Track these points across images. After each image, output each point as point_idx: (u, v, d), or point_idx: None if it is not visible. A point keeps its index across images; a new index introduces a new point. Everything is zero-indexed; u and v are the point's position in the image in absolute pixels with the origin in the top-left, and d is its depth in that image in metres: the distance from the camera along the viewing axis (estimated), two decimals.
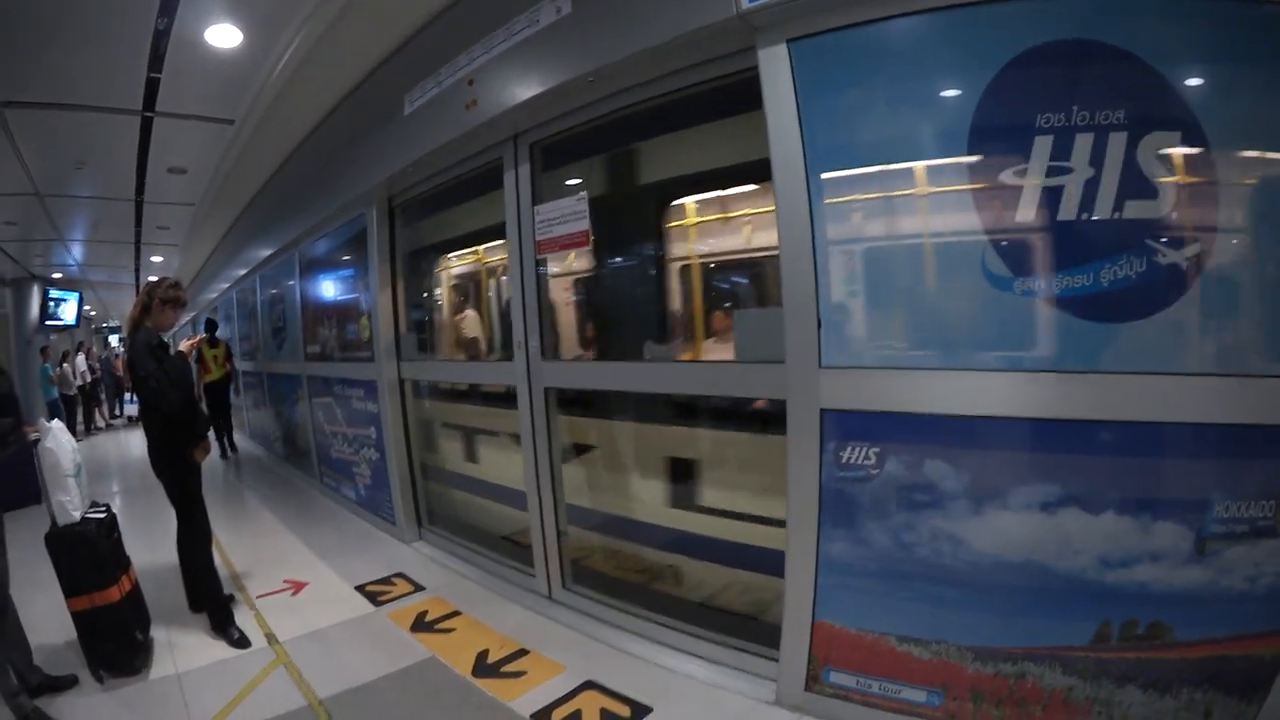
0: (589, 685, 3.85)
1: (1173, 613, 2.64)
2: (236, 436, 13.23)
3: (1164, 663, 2.67)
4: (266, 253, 10.22)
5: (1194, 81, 2.54)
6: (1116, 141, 2.59)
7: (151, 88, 6.13)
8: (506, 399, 5.17)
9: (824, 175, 3.11)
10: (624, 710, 3.63)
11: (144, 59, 5.60)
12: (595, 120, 4.33)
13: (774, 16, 3.12)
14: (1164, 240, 2.55)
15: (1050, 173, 2.68)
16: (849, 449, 3.12)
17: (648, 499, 5.05)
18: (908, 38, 2.94)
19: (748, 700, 3.61)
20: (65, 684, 4.00)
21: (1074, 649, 2.79)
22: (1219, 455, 2.56)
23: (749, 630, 3.93)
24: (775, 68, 3.20)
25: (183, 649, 4.48)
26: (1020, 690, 2.90)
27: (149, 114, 6.72)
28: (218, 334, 12.39)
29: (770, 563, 3.69)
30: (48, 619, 4.54)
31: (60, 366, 16.08)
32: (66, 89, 6.15)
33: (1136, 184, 2.57)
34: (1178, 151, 2.53)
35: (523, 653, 4.25)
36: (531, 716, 3.61)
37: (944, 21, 2.85)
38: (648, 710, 3.61)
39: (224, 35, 5.26)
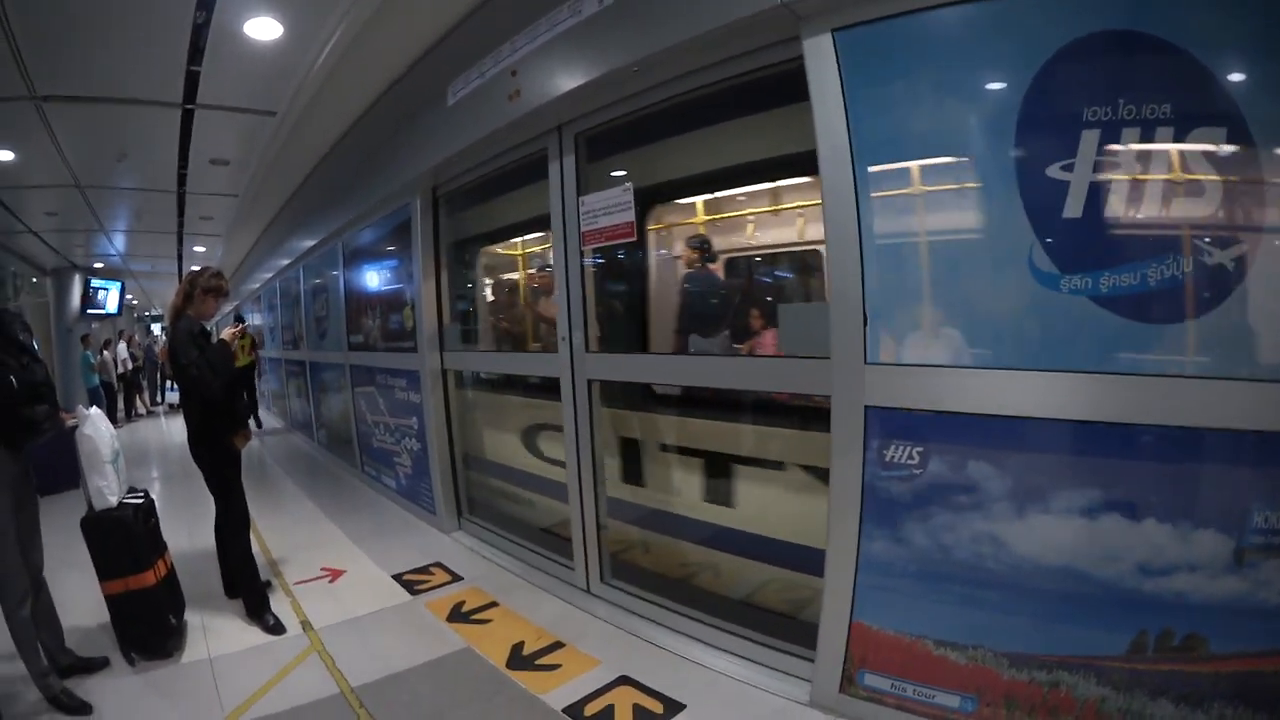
0: (623, 680, 3.85)
1: (1209, 624, 2.58)
2: (271, 420, 14.19)
3: (1198, 676, 2.61)
4: (310, 243, 10.31)
5: (1240, 76, 2.47)
6: (1163, 136, 2.53)
7: (192, 80, 6.17)
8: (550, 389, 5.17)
9: (871, 168, 3.07)
10: (657, 707, 3.61)
11: (183, 52, 5.63)
12: (640, 110, 4.30)
13: (818, 6, 3.09)
14: (1210, 240, 2.49)
15: (1097, 167, 2.62)
16: (892, 447, 3.08)
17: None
18: (954, 27, 2.89)
19: (782, 700, 3.59)
20: (96, 665, 4.08)
21: (1109, 659, 2.74)
22: (1261, 463, 2.49)
23: (785, 629, 3.91)
24: (821, 58, 3.16)
25: (217, 634, 4.54)
26: (1054, 699, 2.85)
27: (190, 106, 6.76)
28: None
29: None
30: (79, 601, 4.63)
31: (101, 354, 16.31)
32: (105, 83, 6.20)
33: (1183, 181, 2.52)
34: (1225, 148, 2.47)
35: (558, 645, 4.26)
36: (564, 710, 3.61)
37: (990, 10, 2.80)
38: (681, 707, 3.60)
39: (263, 28, 5.28)
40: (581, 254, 4.71)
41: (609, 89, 4.21)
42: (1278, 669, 2.50)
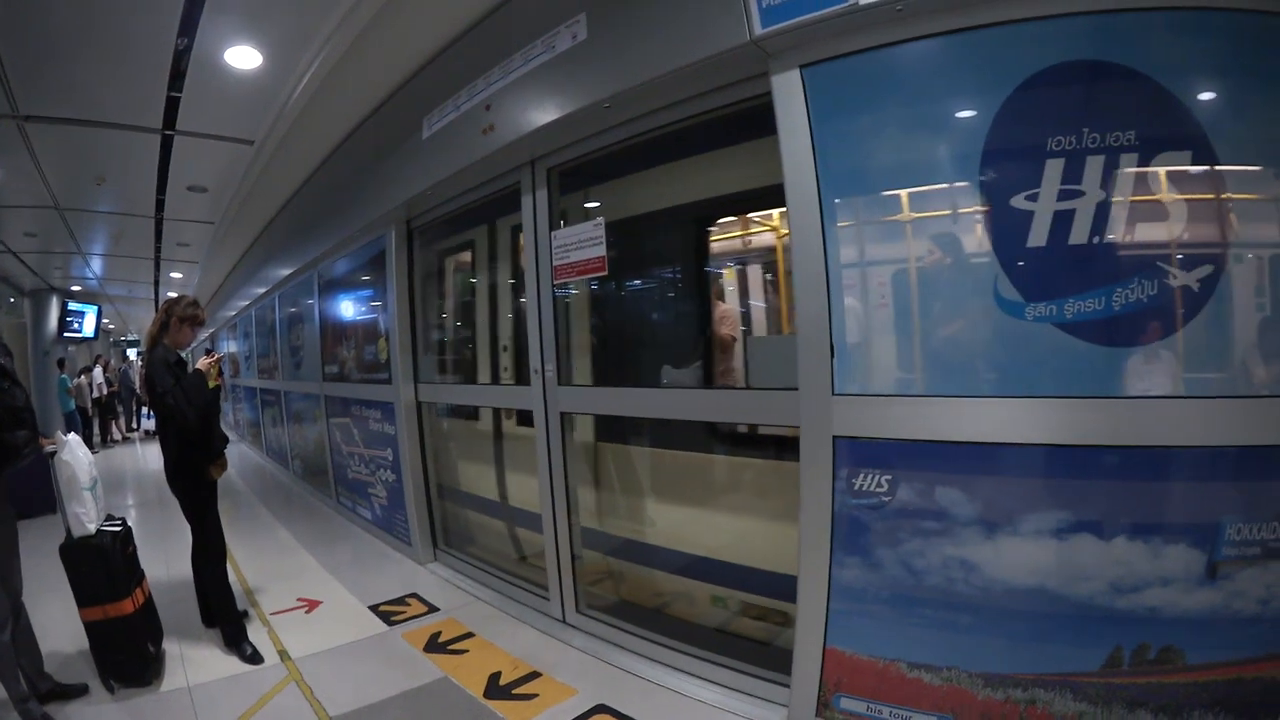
0: (600, 709, 3.84)
1: (1184, 637, 2.63)
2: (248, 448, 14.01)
3: (1175, 687, 2.65)
4: (286, 272, 10.28)
5: (1204, 100, 2.55)
6: (1127, 163, 2.59)
7: (172, 106, 6.19)
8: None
9: (837, 200, 3.11)
10: None
11: (164, 78, 5.66)
12: (613, 145, 4.34)
13: (787, 42, 3.14)
14: (1175, 262, 2.55)
15: (1062, 196, 2.68)
16: (861, 476, 3.11)
17: None
18: (920, 62, 2.95)
19: None
20: (75, 692, 4.06)
21: (1085, 675, 2.76)
22: (1231, 478, 2.56)
23: (761, 656, 3.93)
24: (789, 93, 3.21)
25: (195, 663, 4.51)
26: (1030, 716, 2.87)
27: (169, 132, 6.78)
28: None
29: None
30: (60, 627, 4.65)
31: (78, 379, 16.21)
32: (87, 105, 6.21)
33: (1147, 206, 2.58)
34: (1188, 172, 2.54)
35: (535, 675, 4.25)
36: None
37: (955, 45, 2.86)
38: None
39: (243, 57, 5.31)
40: (554, 288, 4.72)
41: (582, 124, 4.24)
42: (1256, 675, 2.56)
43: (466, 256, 7.12)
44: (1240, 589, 2.54)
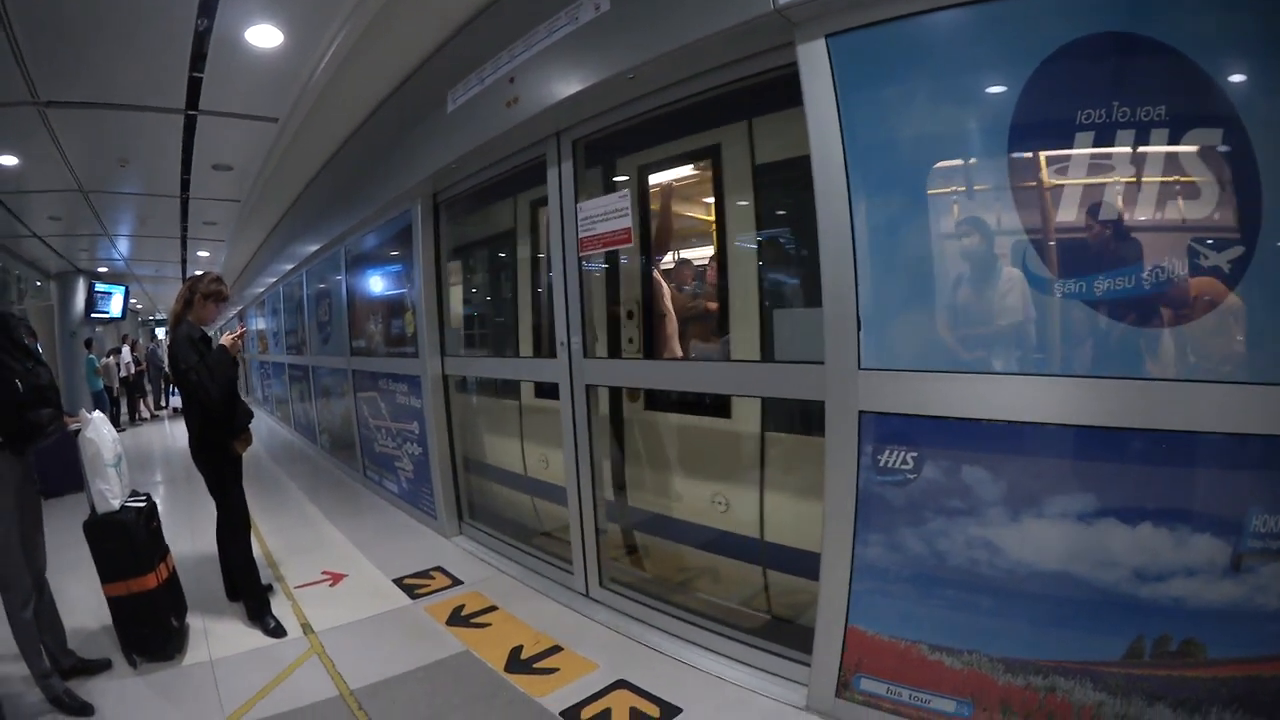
0: (620, 684, 3.84)
1: (1206, 630, 2.57)
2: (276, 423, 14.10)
3: (1195, 681, 2.59)
4: (313, 248, 10.31)
5: (1237, 77, 2.46)
6: (1158, 139, 2.52)
7: (194, 87, 6.20)
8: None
9: (864, 173, 3.06)
10: (654, 710, 3.61)
11: (185, 59, 5.66)
12: (638, 117, 4.31)
13: (811, 11, 3.08)
14: (1207, 242, 2.48)
15: (1091, 171, 2.62)
16: (887, 452, 3.08)
17: None
18: (947, 32, 2.89)
19: (778, 704, 3.58)
20: (98, 667, 4.10)
21: (1106, 664, 2.72)
22: (1258, 467, 2.48)
23: (782, 634, 3.91)
24: (814, 64, 3.15)
25: (218, 636, 4.56)
26: (1050, 704, 2.84)
27: (192, 112, 6.79)
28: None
29: None
30: (83, 603, 4.71)
31: (106, 359, 16.37)
32: (108, 88, 6.22)
33: (1179, 183, 2.51)
34: (1221, 149, 2.46)
35: (556, 649, 4.26)
36: (561, 714, 3.60)
37: (984, 14, 2.79)
38: (678, 711, 3.59)
39: (264, 35, 5.30)
40: (580, 260, 4.70)
41: (606, 95, 4.21)
42: (1277, 674, 2.49)
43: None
44: (1264, 583, 2.47)
